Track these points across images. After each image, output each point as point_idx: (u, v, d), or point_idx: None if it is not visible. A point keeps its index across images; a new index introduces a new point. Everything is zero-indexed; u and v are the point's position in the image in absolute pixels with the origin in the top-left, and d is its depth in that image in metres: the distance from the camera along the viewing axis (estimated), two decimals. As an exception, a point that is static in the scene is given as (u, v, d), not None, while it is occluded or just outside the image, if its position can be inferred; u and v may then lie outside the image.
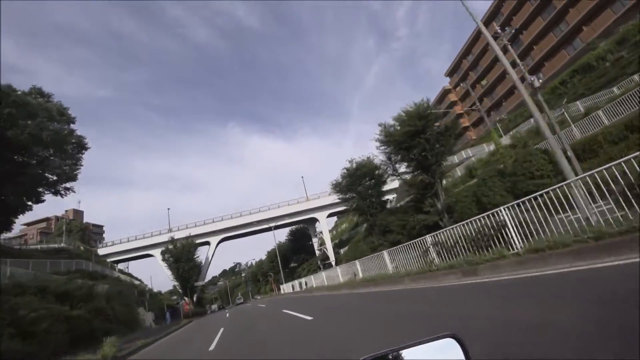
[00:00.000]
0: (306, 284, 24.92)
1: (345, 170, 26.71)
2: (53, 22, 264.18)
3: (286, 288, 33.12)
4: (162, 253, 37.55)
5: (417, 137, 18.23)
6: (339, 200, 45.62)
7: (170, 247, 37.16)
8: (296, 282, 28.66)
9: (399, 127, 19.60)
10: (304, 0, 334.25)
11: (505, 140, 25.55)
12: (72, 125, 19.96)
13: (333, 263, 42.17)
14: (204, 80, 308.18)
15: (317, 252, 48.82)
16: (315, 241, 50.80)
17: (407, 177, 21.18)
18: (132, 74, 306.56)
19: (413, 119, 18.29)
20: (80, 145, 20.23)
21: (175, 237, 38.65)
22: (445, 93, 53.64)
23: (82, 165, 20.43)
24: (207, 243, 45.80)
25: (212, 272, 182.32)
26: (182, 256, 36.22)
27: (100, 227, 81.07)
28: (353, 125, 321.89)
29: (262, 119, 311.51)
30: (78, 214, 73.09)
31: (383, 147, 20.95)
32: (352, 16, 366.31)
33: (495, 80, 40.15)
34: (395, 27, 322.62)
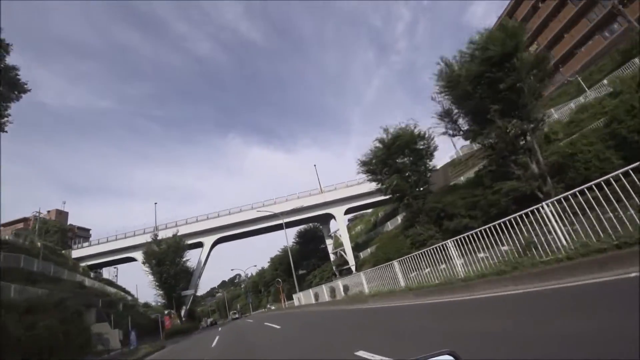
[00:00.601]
0: (345, 290, 16.23)
1: (378, 144, 20.85)
2: (58, 36, 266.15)
3: (303, 298, 25.71)
4: (145, 255, 31.37)
5: (507, 63, 12.67)
6: (360, 193, 39.92)
7: (155, 248, 31.11)
8: (323, 288, 20.41)
9: (463, 65, 14.23)
10: (305, 14, 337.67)
11: (594, 93, 20.15)
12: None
13: (353, 268, 36.10)
14: (205, 92, 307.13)
15: (332, 257, 42.60)
16: (329, 243, 44.56)
17: (474, 135, 15.44)
18: (134, 87, 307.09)
19: (500, 39, 12.72)
20: (13, 83, 14.62)
21: (161, 237, 32.58)
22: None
23: (9, 107, 14.85)
24: (200, 244, 39.66)
25: (211, 283, 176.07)
26: (166, 258, 30.04)
27: (87, 230, 75.82)
28: (354, 137, 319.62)
29: (263, 130, 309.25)
30: (62, 214, 68.28)
31: (444, 93, 15.35)
32: (352, 29, 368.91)
33: (547, 44, 34.44)
34: (394, 40, 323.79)
